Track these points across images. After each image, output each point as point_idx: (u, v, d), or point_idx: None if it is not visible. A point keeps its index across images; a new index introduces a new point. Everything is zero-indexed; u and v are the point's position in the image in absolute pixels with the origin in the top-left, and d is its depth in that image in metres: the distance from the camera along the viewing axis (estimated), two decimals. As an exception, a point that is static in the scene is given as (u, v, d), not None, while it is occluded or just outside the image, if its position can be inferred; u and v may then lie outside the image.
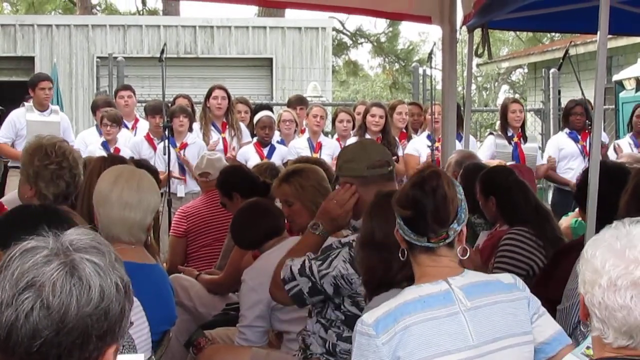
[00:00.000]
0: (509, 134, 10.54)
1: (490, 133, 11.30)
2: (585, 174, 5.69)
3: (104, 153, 9.74)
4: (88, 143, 10.70)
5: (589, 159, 6.17)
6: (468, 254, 3.49)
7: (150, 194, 4.44)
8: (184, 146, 10.14)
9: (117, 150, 10.40)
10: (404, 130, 11.03)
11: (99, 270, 1.93)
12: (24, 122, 10.85)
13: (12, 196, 6.22)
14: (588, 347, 2.73)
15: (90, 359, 1.93)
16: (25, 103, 11.09)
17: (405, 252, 3.45)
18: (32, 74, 12.85)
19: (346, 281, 4.41)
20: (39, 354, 1.86)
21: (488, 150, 10.45)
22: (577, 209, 6.77)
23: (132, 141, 10.75)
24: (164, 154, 9.65)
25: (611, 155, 10.55)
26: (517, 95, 33.65)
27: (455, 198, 3.38)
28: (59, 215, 3.46)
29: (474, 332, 3.27)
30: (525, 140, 10.60)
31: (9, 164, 10.93)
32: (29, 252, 1.90)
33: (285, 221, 5.51)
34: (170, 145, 9.62)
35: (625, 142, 10.93)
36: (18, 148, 10.63)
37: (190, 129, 10.30)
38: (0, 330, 1.86)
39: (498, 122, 11.16)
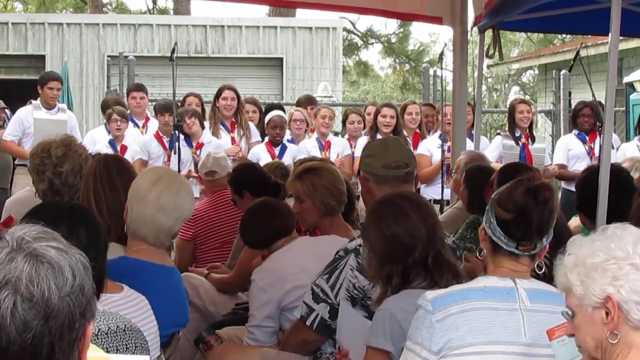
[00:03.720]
0: (517, 134, 10.52)
1: (498, 134, 11.27)
2: (582, 180, 5.70)
3: (111, 151, 9.78)
4: (97, 141, 10.69)
5: (598, 160, 6.16)
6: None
7: (186, 203, 4.44)
8: (200, 146, 10.13)
9: (124, 147, 10.42)
10: (418, 131, 10.96)
11: (62, 252, 1.94)
12: (31, 120, 10.78)
13: (17, 196, 6.20)
14: None
15: (77, 339, 1.94)
16: (33, 101, 11.04)
17: (483, 251, 3.49)
18: (42, 73, 12.82)
19: (359, 290, 4.42)
20: (32, 346, 1.86)
21: (495, 151, 10.42)
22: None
23: (141, 139, 10.77)
24: (174, 154, 9.67)
25: (619, 158, 10.50)
26: (527, 97, 33.59)
27: (556, 214, 3.44)
28: (83, 213, 3.45)
29: (529, 331, 3.33)
30: (533, 141, 10.57)
31: (16, 162, 10.94)
32: None
33: (296, 219, 5.51)
34: (179, 145, 9.65)
35: (633, 145, 10.87)
36: (25, 146, 10.63)
37: (202, 127, 10.28)
38: None
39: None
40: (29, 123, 10.78)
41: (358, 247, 4.44)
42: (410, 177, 4.90)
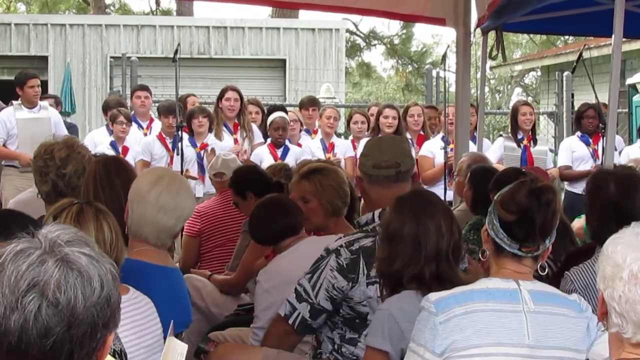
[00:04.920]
0: (519, 136, 10.52)
1: (500, 135, 11.27)
2: (592, 180, 5.69)
3: (112, 152, 9.78)
4: (97, 143, 10.69)
5: (601, 163, 6.16)
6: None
7: (187, 202, 4.44)
8: (204, 147, 10.13)
9: (126, 148, 10.43)
10: (422, 133, 10.92)
11: (93, 260, 1.94)
12: (14, 121, 10.68)
13: (20, 197, 6.20)
14: None
15: (97, 349, 1.95)
16: (14, 102, 11.00)
17: (486, 252, 3.50)
18: (45, 74, 12.79)
19: (338, 290, 4.42)
20: (52, 351, 1.87)
21: (497, 152, 10.41)
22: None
23: (143, 141, 10.78)
24: (177, 155, 9.68)
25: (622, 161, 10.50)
26: (529, 99, 33.59)
27: (558, 216, 3.46)
28: (24, 220, 3.46)
29: (532, 333, 3.34)
30: (535, 143, 10.57)
31: (3, 163, 10.91)
32: (21, 255, 1.90)
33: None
34: (182, 145, 9.65)
35: (636, 148, 10.89)
36: (10, 148, 10.63)
37: (210, 130, 10.29)
38: (10, 335, 1.85)
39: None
40: (11, 124, 10.70)
41: (339, 248, 4.44)
42: (402, 177, 4.75)
